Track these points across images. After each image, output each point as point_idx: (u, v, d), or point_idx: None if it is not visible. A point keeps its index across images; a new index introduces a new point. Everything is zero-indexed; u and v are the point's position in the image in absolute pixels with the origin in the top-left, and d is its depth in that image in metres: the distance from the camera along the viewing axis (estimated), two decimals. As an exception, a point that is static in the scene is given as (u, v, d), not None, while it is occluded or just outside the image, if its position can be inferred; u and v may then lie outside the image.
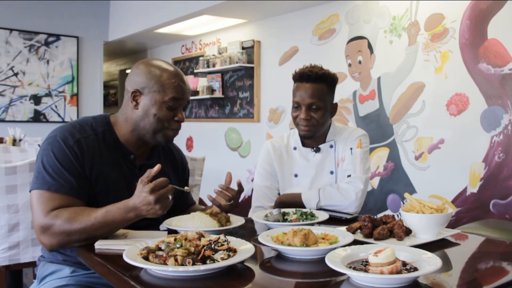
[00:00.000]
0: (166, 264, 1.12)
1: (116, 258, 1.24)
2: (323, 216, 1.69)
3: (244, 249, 1.22)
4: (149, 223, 1.67)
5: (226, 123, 5.42)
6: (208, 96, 5.43)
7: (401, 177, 3.57)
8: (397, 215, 1.55)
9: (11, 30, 5.75)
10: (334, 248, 1.20)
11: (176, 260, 1.12)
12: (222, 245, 1.19)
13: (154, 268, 1.12)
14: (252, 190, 2.23)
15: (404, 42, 3.55)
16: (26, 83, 5.88)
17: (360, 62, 3.89)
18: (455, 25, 3.22)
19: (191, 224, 1.51)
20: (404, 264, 1.09)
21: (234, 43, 5.13)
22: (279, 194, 2.16)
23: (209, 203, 2.34)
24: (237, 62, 4.96)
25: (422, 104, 3.43)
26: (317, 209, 1.88)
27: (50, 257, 1.62)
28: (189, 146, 6.08)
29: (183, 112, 1.63)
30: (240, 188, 1.72)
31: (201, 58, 5.48)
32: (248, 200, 2.27)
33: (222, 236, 1.24)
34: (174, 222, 1.57)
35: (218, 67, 5.18)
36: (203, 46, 5.73)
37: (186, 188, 1.58)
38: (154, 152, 1.73)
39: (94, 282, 1.56)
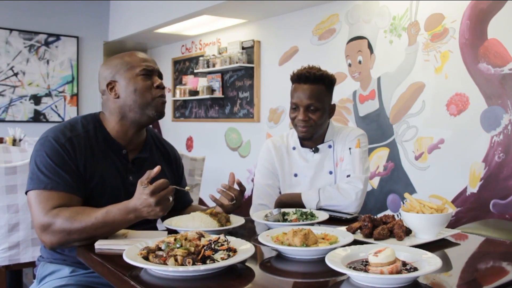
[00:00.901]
0: (166, 264, 1.12)
1: (116, 258, 1.24)
2: (323, 216, 1.69)
3: (244, 249, 1.22)
4: (147, 221, 1.67)
5: (226, 123, 5.42)
6: (208, 96, 5.43)
7: (401, 177, 3.58)
8: (397, 215, 1.55)
9: (11, 30, 5.75)
10: (334, 248, 1.20)
11: (176, 260, 1.12)
12: (222, 245, 1.19)
13: (154, 268, 1.12)
14: (253, 189, 2.23)
15: (404, 42, 3.55)
16: (26, 83, 5.88)
17: (360, 62, 3.89)
18: (455, 25, 3.22)
19: (191, 224, 1.52)
20: (404, 264, 1.09)
21: (234, 43, 5.13)
22: (280, 193, 2.16)
23: (210, 203, 2.34)
24: (237, 62, 4.96)
25: (422, 104, 3.43)
26: (317, 209, 1.88)
27: (49, 257, 1.62)
28: (189, 146, 6.08)
29: (160, 80, 1.68)
30: (242, 188, 1.72)
31: (201, 58, 5.48)
32: (249, 199, 2.27)
33: (222, 236, 1.24)
34: (174, 222, 1.57)
35: (218, 67, 5.18)
36: (203, 46, 5.73)
37: (187, 188, 1.58)
38: (146, 146, 1.73)
39: (94, 281, 1.56)
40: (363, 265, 1.09)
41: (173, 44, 6.30)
